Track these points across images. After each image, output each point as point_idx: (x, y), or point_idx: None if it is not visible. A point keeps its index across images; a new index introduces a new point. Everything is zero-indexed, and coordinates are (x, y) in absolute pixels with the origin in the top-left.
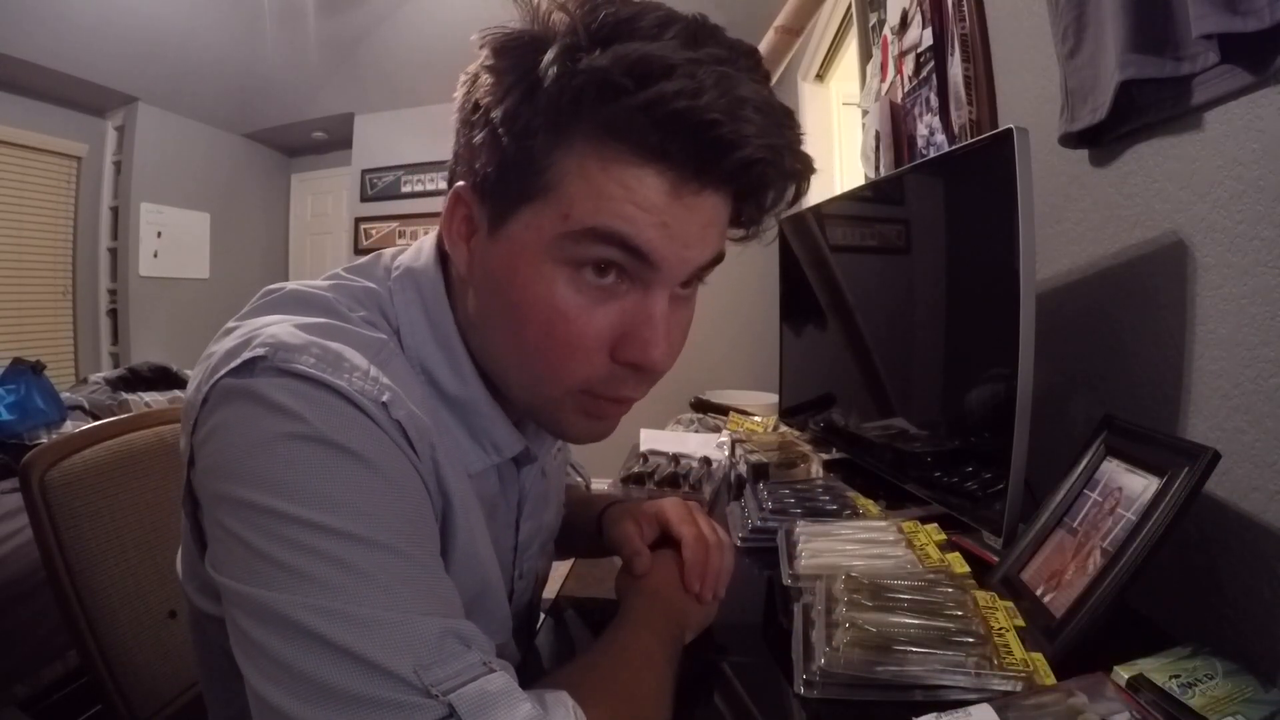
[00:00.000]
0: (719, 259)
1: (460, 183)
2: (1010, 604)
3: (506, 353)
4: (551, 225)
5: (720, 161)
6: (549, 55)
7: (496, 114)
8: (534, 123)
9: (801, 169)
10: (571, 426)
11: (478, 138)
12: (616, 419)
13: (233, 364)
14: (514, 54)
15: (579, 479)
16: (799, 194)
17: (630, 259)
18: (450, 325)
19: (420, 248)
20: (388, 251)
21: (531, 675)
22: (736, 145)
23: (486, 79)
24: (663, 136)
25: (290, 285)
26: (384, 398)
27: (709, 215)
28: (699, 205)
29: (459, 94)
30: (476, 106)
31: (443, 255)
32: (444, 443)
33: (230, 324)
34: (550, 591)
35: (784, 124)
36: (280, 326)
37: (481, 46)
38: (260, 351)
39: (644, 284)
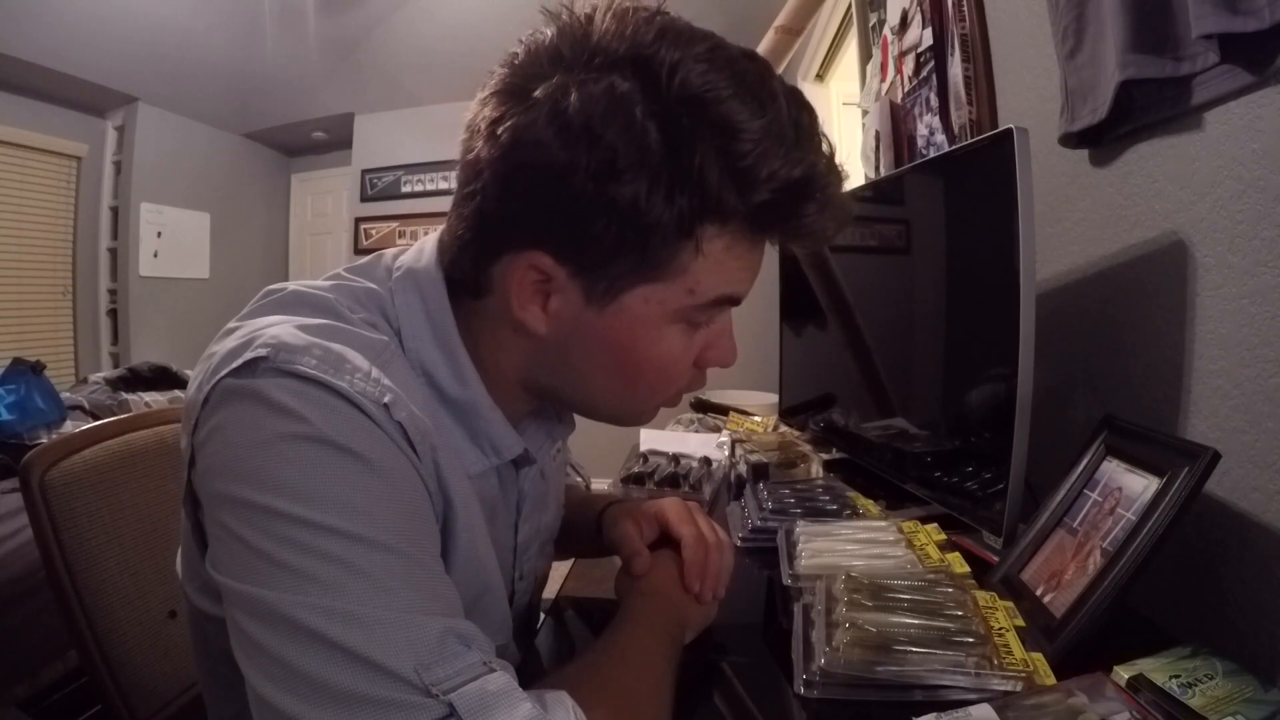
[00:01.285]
0: None
1: (534, 252)
2: (1010, 604)
3: (609, 393)
4: (675, 299)
5: (807, 231)
6: (702, 157)
7: (612, 197)
8: (666, 218)
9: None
10: (645, 419)
11: (580, 215)
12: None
13: (234, 364)
14: (622, 130)
15: (579, 479)
16: None
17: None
18: (451, 327)
19: (422, 249)
20: (389, 252)
21: (531, 675)
22: (827, 239)
23: (595, 151)
24: (788, 211)
25: (292, 285)
26: (385, 399)
27: None
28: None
29: (489, 147)
30: (562, 180)
31: (444, 257)
32: (444, 444)
33: (231, 324)
34: (550, 591)
35: (850, 210)
36: (282, 327)
37: (555, 92)
38: (262, 352)
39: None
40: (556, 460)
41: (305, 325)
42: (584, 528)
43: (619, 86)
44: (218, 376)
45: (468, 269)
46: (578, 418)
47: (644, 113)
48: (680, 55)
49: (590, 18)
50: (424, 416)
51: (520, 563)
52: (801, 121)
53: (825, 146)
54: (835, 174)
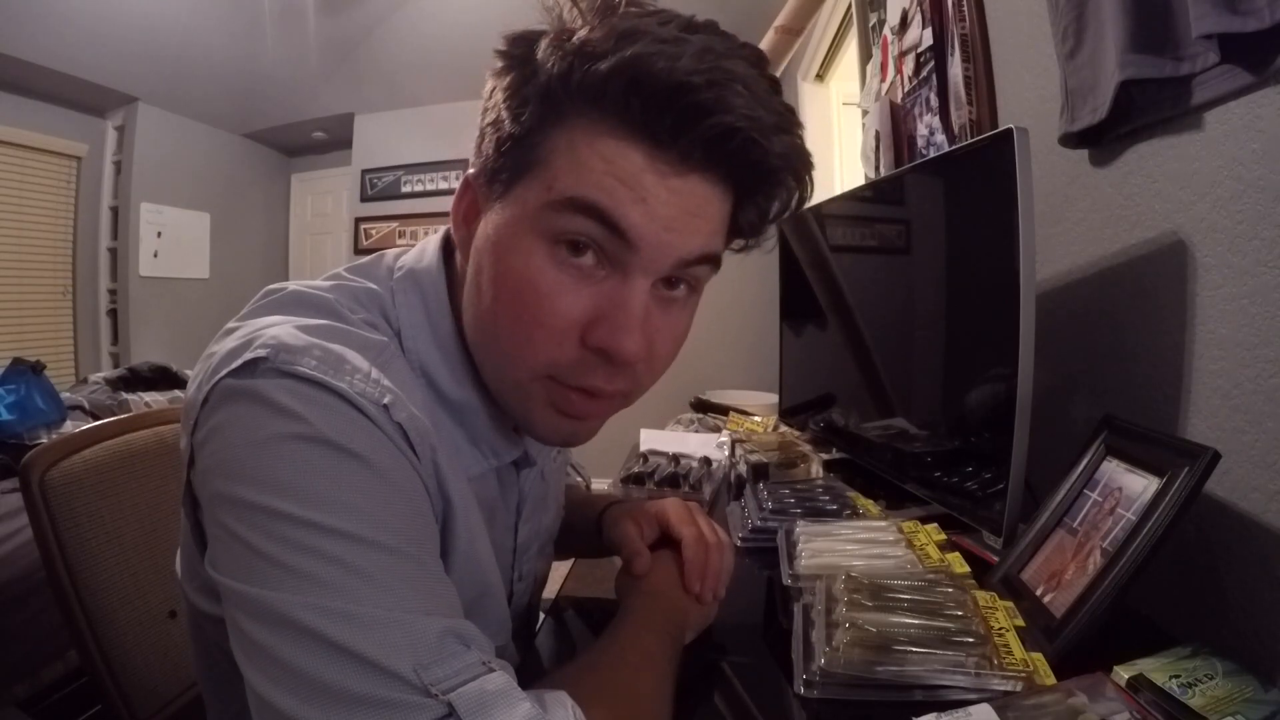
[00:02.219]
0: (710, 260)
1: (468, 173)
2: (1010, 604)
3: (483, 331)
4: (536, 196)
5: (695, 128)
6: (546, 41)
7: (500, 96)
8: (532, 102)
9: (796, 159)
10: (540, 420)
11: (484, 123)
12: (590, 420)
13: (234, 364)
14: (520, 42)
15: (579, 479)
16: (801, 199)
17: (608, 236)
18: (451, 328)
19: (424, 249)
20: (390, 252)
21: (531, 675)
22: (713, 111)
23: (495, 64)
24: (641, 102)
25: (291, 285)
26: (385, 400)
27: (695, 202)
28: (683, 189)
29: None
30: (490, 96)
31: (447, 257)
32: (444, 445)
33: (231, 324)
34: (550, 591)
35: (778, 110)
36: (282, 328)
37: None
38: (262, 353)
39: (623, 270)
40: (557, 461)
41: (305, 326)
42: (584, 528)
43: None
44: (217, 377)
45: (450, 230)
46: None
47: (534, 29)
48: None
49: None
50: (424, 417)
51: (519, 564)
52: (695, 21)
53: (717, 36)
54: (733, 52)
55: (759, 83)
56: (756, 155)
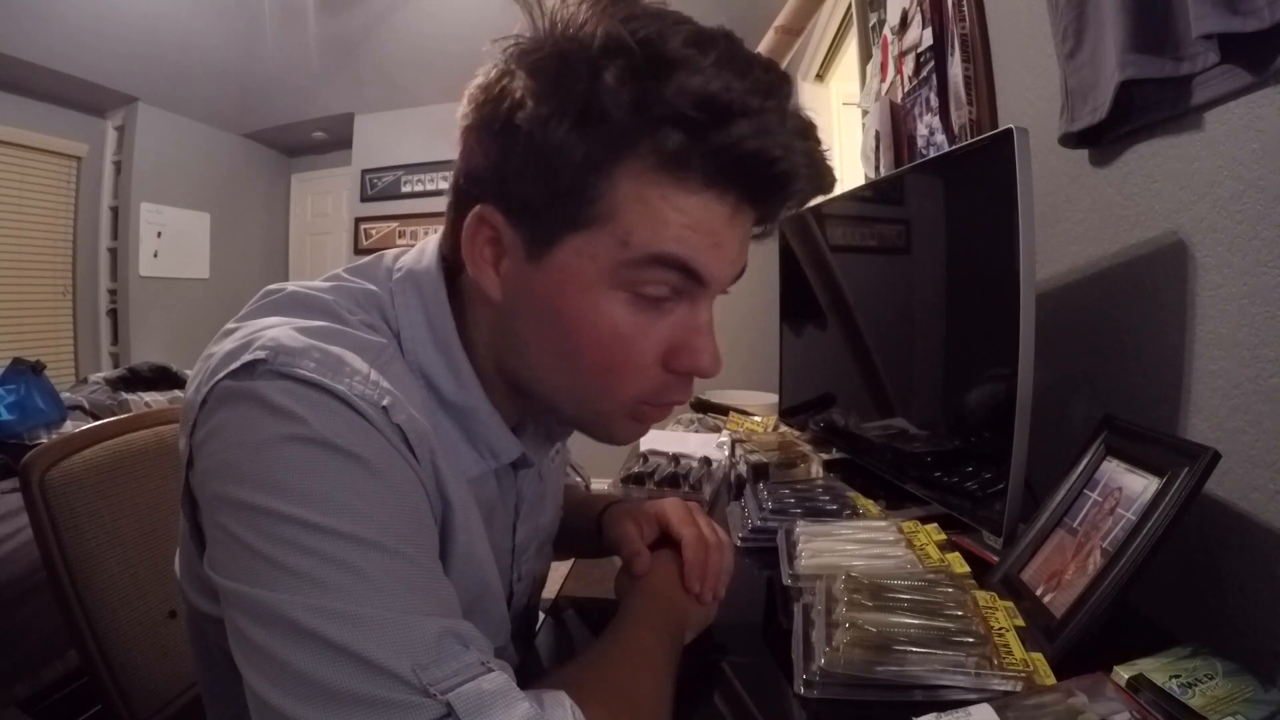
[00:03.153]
0: (745, 269)
1: (483, 205)
2: (1010, 604)
3: (559, 375)
4: (608, 253)
5: (777, 193)
6: (610, 80)
7: (544, 139)
8: (592, 151)
9: (831, 185)
10: (620, 433)
11: (514, 162)
12: (657, 420)
13: (232, 366)
14: (560, 75)
15: (579, 479)
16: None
17: (684, 279)
18: (450, 330)
19: (423, 250)
20: (390, 253)
21: (531, 675)
22: (793, 178)
23: (525, 100)
24: (728, 172)
25: (290, 286)
26: (384, 402)
27: (746, 231)
28: (742, 224)
29: (468, 108)
30: (511, 127)
31: (446, 260)
32: (443, 447)
33: (230, 325)
34: (550, 591)
35: (819, 144)
36: (281, 329)
37: (507, 61)
38: (261, 355)
39: (691, 299)
40: (555, 462)
41: (304, 328)
42: (584, 528)
43: (550, 40)
44: (216, 378)
45: (450, 243)
46: None
47: (561, 50)
48: (625, 14)
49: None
50: (423, 419)
51: (518, 564)
52: (736, 51)
53: (764, 74)
54: (780, 94)
55: (806, 121)
56: (809, 195)
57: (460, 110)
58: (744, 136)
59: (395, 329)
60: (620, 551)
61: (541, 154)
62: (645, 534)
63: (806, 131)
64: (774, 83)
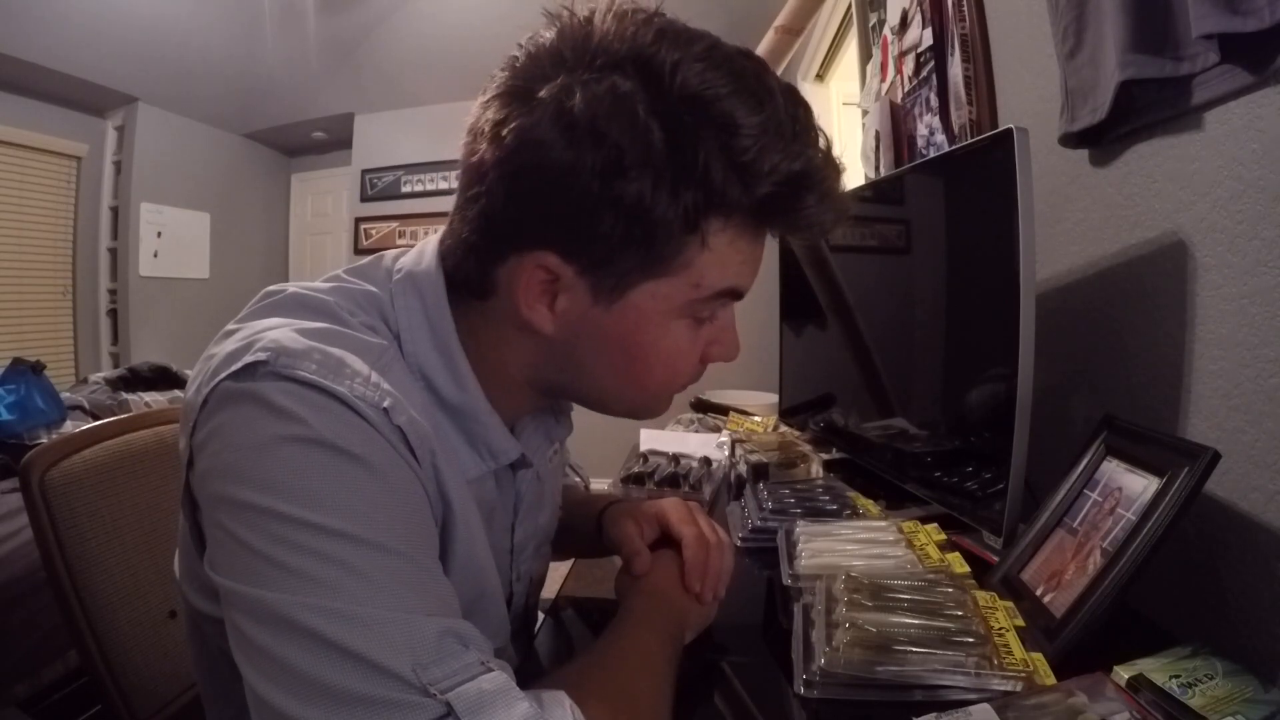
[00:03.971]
0: None
1: (543, 252)
2: (1010, 604)
3: (621, 391)
4: (681, 294)
5: (820, 226)
6: (705, 153)
7: (618, 194)
8: (671, 214)
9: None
10: (656, 413)
11: (594, 220)
12: None
13: (234, 367)
14: (626, 128)
15: (578, 479)
16: None
17: (730, 298)
18: (450, 331)
19: (422, 251)
20: (389, 253)
21: (531, 676)
22: (827, 230)
23: (601, 150)
24: (789, 230)
25: (291, 287)
26: (385, 404)
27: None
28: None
29: (493, 149)
30: (585, 174)
31: (445, 260)
32: (443, 448)
33: (230, 326)
34: (550, 591)
35: (848, 205)
36: (282, 331)
37: (558, 99)
38: (262, 356)
39: (725, 305)
40: (553, 462)
41: (305, 329)
42: (584, 528)
43: (621, 86)
44: (217, 379)
45: (473, 271)
46: (577, 418)
47: (646, 111)
48: (680, 55)
49: (590, 19)
50: (423, 421)
51: (517, 564)
52: (799, 116)
53: (822, 140)
54: (833, 167)
55: (835, 161)
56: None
57: (491, 142)
58: (813, 206)
59: (395, 330)
60: (620, 551)
61: (634, 218)
62: (645, 533)
63: (838, 170)
64: (827, 139)
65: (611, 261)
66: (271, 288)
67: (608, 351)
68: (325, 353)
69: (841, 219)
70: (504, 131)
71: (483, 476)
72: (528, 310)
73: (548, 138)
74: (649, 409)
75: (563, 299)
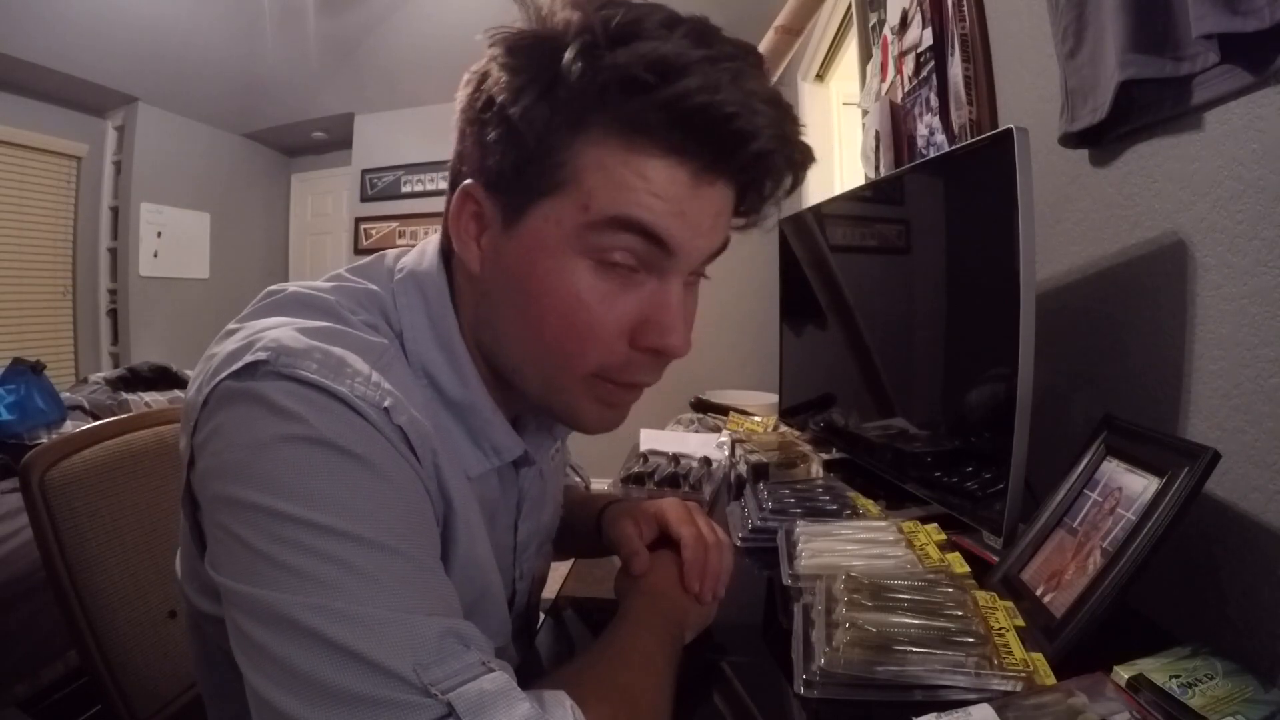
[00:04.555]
0: (724, 248)
1: (469, 180)
2: (1010, 604)
3: (523, 345)
4: (572, 217)
5: (736, 153)
6: (570, 52)
7: (514, 110)
8: (554, 118)
9: (803, 159)
10: (586, 415)
11: (491, 134)
12: (628, 407)
13: (235, 366)
14: (530, 52)
15: (579, 479)
16: (797, 183)
17: (649, 247)
18: (453, 328)
19: (423, 251)
20: (391, 253)
21: (532, 675)
22: (752, 137)
23: (501, 76)
24: (683, 130)
25: (292, 287)
26: (385, 403)
27: (719, 205)
28: (711, 195)
29: (463, 93)
30: (490, 103)
31: (446, 258)
32: (445, 446)
33: (232, 325)
34: (550, 591)
35: (789, 117)
36: (282, 330)
37: (491, 45)
38: (263, 355)
39: (660, 272)
40: (555, 460)
41: (306, 328)
42: (584, 528)
43: (542, 31)
44: (218, 378)
45: (447, 229)
46: None
47: (533, 34)
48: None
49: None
50: (425, 420)
51: (520, 562)
52: (705, 28)
53: (729, 45)
54: (741, 57)
55: (774, 93)
56: (777, 164)
57: (457, 94)
58: (691, 91)
59: (397, 328)
60: (619, 551)
61: (511, 124)
62: (644, 534)
63: (773, 100)
64: (736, 52)
65: (508, 177)
66: (273, 287)
67: (513, 293)
68: (326, 352)
69: (753, 104)
70: (460, 86)
71: (486, 474)
72: (460, 245)
73: (472, 76)
74: (557, 381)
75: (487, 235)
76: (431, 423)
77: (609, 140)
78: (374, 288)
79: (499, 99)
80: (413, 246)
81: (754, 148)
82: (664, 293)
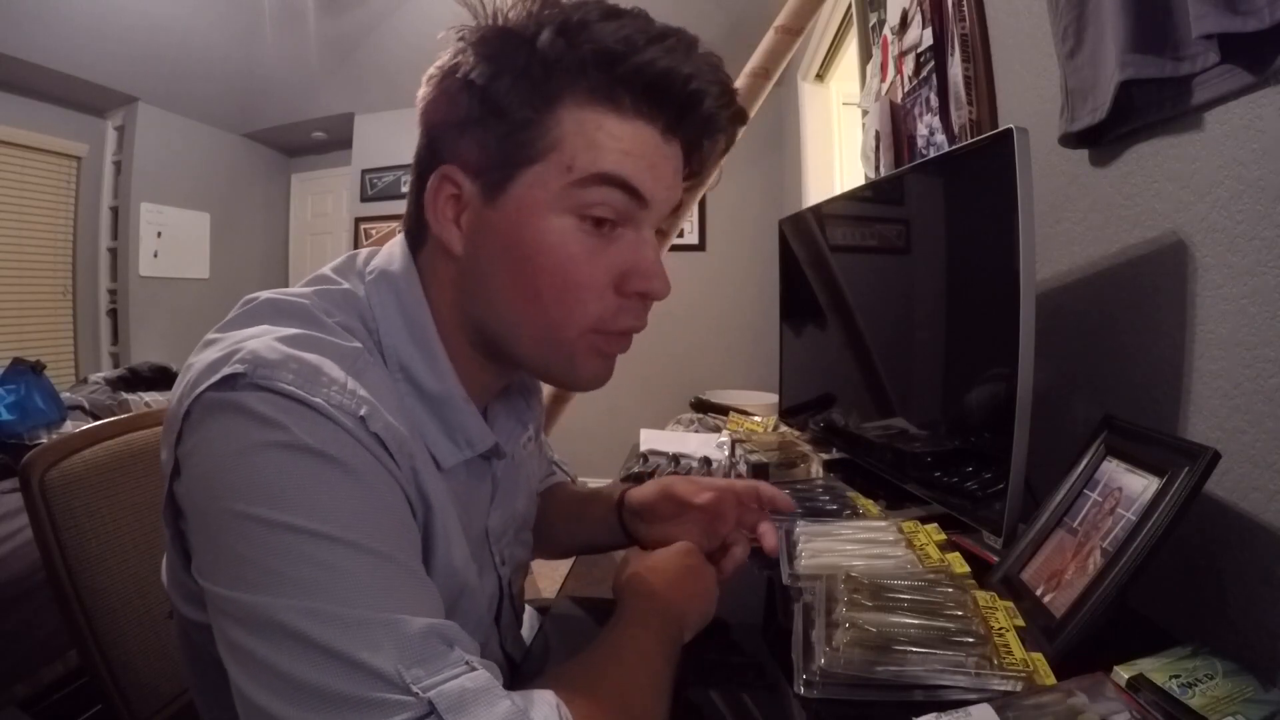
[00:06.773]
0: (681, 205)
1: (445, 165)
2: (1010, 604)
3: (519, 308)
4: (557, 178)
5: (691, 113)
6: (548, 33)
7: (495, 89)
8: (534, 93)
9: (738, 118)
10: (583, 368)
11: (470, 116)
12: (615, 359)
13: (213, 379)
14: (503, 39)
15: (565, 476)
16: (730, 142)
17: (627, 200)
18: (428, 322)
19: (390, 253)
20: (362, 252)
21: (528, 676)
22: (704, 96)
23: (476, 64)
24: (650, 93)
25: (266, 294)
26: (361, 411)
27: (677, 162)
28: (671, 154)
29: (429, 89)
30: (466, 88)
31: (415, 254)
32: (421, 444)
33: (211, 335)
34: (550, 591)
35: (729, 82)
36: (259, 341)
37: (460, 40)
38: (240, 368)
39: (635, 224)
40: (528, 448)
41: (282, 336)
42: (602, 519)
43: (491, 25)
44: (197, 390)
45: (413, 217)
46: (578, 418)
47: (498, 27)
48: None
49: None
50: (401, 418)
51: (499, 549)
52: (646, 17)
53: (672, 29)
54: (686, 36)
55: (716, 59)
56: (721, 122)
57: (419, 94)
58: (655, 58)
59: (373, 327)
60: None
61: (493, 103)
62: (697, 536)
63: (715, 63)
64: (678, 31)
65: (490, 153)
66: (249, 295)
67: (500, 259)
68: (301, 361)
69: (712, 76)
70: (423, 82)
71: (459, 466)
72: (439, 228)
73: (441, 70)
74: (561, 344)
75: (467, 213)
76: (407, 419)
77: (586, 107)
78: (349, 288)
79: (478, 82)
80: (378, 249)
81: (705, 107)
82: (641, 242)
